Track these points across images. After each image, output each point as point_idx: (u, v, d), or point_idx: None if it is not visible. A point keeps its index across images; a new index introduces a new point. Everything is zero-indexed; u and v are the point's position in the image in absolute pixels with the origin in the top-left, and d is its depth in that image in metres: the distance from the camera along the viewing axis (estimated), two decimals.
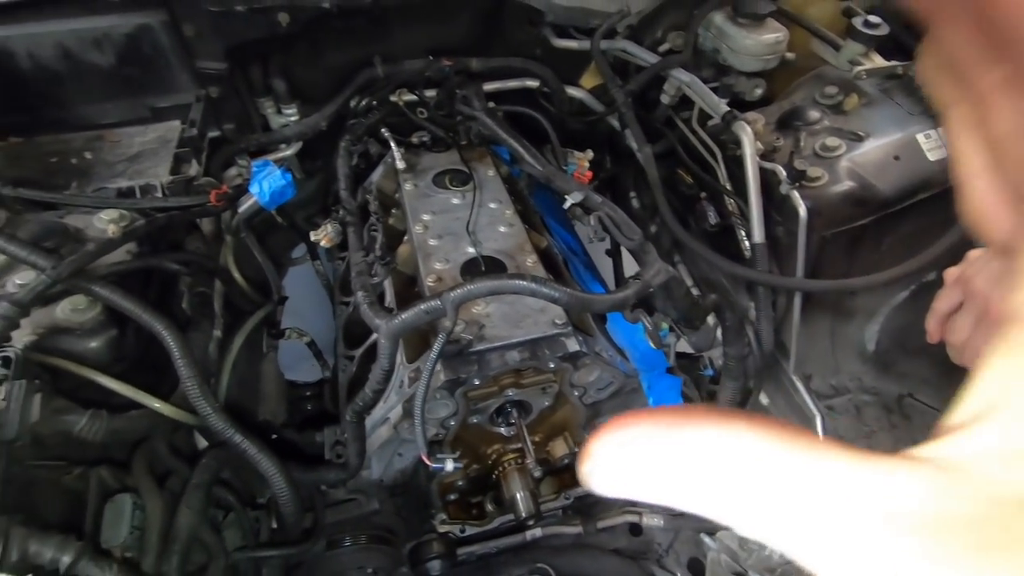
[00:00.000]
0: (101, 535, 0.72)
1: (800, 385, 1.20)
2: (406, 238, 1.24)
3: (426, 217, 1.24)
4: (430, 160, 1.41)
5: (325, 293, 1.71)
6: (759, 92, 1.33)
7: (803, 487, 0.18)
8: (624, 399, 1.14)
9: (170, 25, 1.16)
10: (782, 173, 1.06)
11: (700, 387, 1.40)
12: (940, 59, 0.25)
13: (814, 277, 1.12)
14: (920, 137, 1.11)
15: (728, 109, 1.16)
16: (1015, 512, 0.17)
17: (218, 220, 1.20)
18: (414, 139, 1.47)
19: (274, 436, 1.15)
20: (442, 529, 1.21)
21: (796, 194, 1.04)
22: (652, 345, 1.16)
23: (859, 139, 1.12)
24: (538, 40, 1.51)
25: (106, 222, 0.94)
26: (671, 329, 1.30)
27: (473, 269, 1.13)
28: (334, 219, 1.26)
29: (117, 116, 1.23)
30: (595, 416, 1.17)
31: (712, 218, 1.24)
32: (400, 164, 1.36)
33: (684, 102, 1.37)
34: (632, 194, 1.63)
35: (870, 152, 1.11)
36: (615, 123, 1.49)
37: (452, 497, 1.22)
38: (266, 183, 1.11)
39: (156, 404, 0.82)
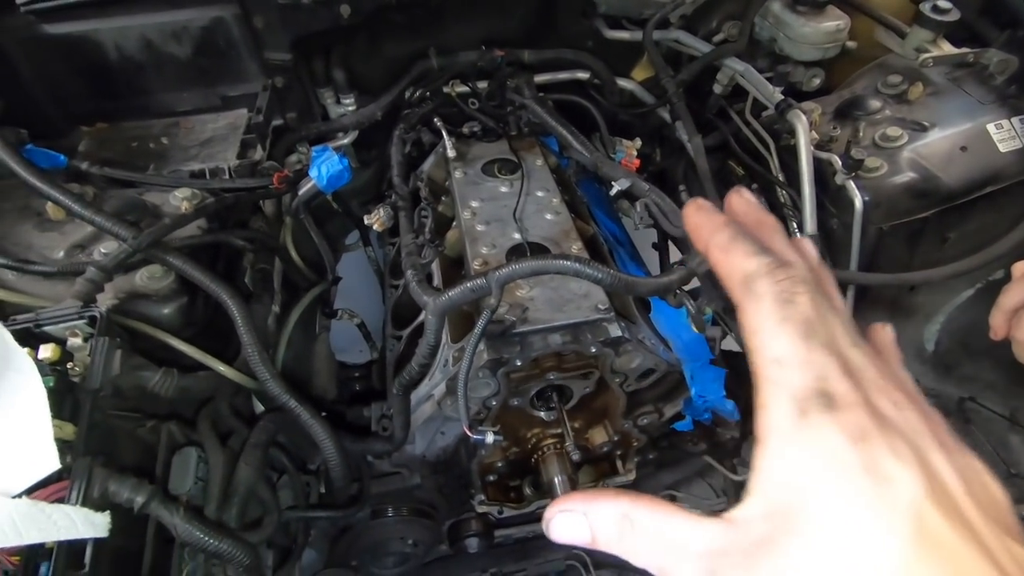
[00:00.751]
0: (169, 483, 0.78)
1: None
2: (455, 224, 1.28)
3: (474, 204, 1.27)
4: (480, 149, 1.45)
5: (376, 280, 1.77)
6: (817, 82, 1.30)
7: (654, 536, 0.35)
8: (666, 388, 1.14)
9: (241, 18, 1.23)
10: (838, 163, 1.04)
11: (745, 383, 1.38)
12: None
13: (870, 271, 1.09)
14: (991, 127, 1.06)
15: (783, 98, 1.13)
16: (760, 546, 0.31)
17: (279, 202, 1.27)
18: (465, 129, 1.50)
19: (323, 413, 1.20)
20: (480, 509, 1.23)
21: (852, 184, 1.01)
22: (695, 329, 1.14)
23: (923, 129, 1.08)
24: (590, 32, 1.52)
25: (180, 199, 1.01)
26: (715, 322, 1.28)
27: (519, 254, 1.15)
28: (386, 204, 1.31)
29: (192, 104, 1.32)
30: (637, 405, 1.17)
31: None
32: (451, 153, 1.39)
33: (738, 93, 1.34)
34: (682, 187, 1.61)
35: (935, 143, 1.07)
36: (666, 116, 1.48)
37: (491, 479, 1.24)
38: (324, 167, 1.17)
39: (220, 367, 0.88)
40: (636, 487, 1.35)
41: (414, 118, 1.46)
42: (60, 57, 1.21)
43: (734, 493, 1.38)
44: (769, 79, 1.23)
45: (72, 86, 1.25)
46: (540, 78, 1.51)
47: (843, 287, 1.09)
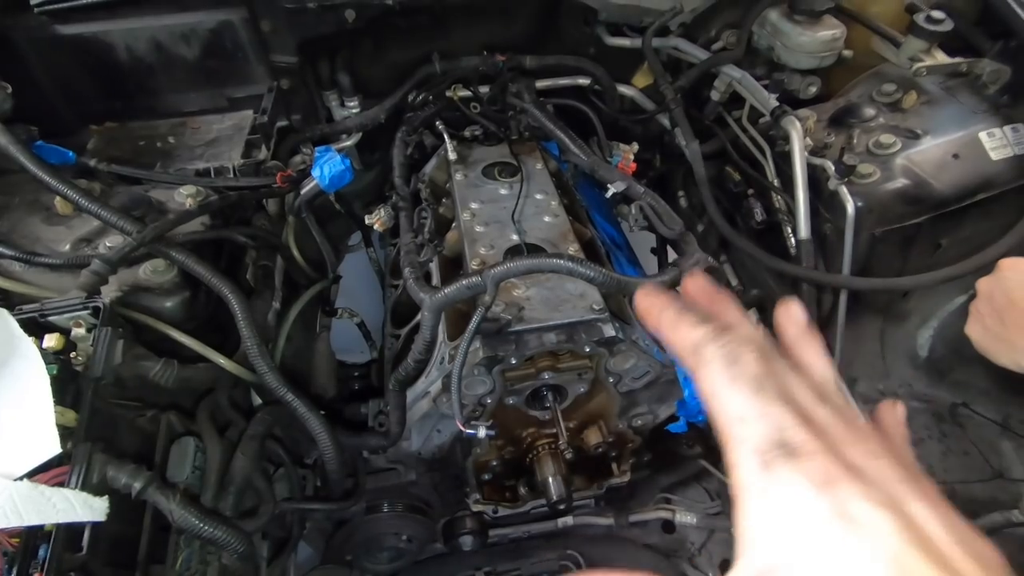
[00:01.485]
0: (167, 471, 0.80)
1: (844, 388, 1.17)
2: (454, 225, 1.30)
3: (474, 205, 1.29)
4: (481, 153, 1.47)
5: (377, 280, 1.79)
6: (814, 90, 1.31)
7: None
8: (660, 389, 1.15)
9: (249, 21, 1.26)
10: (831, 168, 1.05)
11: None
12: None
13: (863, 276, 1.10)
14: (983, 136, 1.08)
15: (778, 104, 1.15)
16: None
17: (282, 201, 1.29)
18: (467, 132, 1.52)
19: (322, 412, 1.22)
20: (476, 508, 1.24)
21: (844, 189, 1.03)
22: None
23: (916, 137, 1.09)
24: (592, 38, 1.55)
25: (184, 196, 1.04)
26: None
27: (516, 255, 1.17)
28: (387, 204, 1.33)
29: (199, 105, 1.35)
30: (631, 406, 1.18)
31: (759, 215, 1.23)
32: (452, 156, 1.41)
33: (735, 100, 1.36)
34: (680, 193, 1.63)
35: (927, 150, 1.08)
36: (666, 123, 1.50)
37: (487, 477, 1.25)
38: (326, 167, 1.19)
39: (220, 360, 0.90)
40: (632, 490, 1.36)
41: (417, 121, 1.48)
42: (72, 57, 1.24)
43: (727, 496, 1.38)
44: (766, 86, 1.25)
45: (83, 85, 1.28)
46: (542, 83, 1.54)
47: (835, 292, 1.11)
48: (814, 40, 1.23)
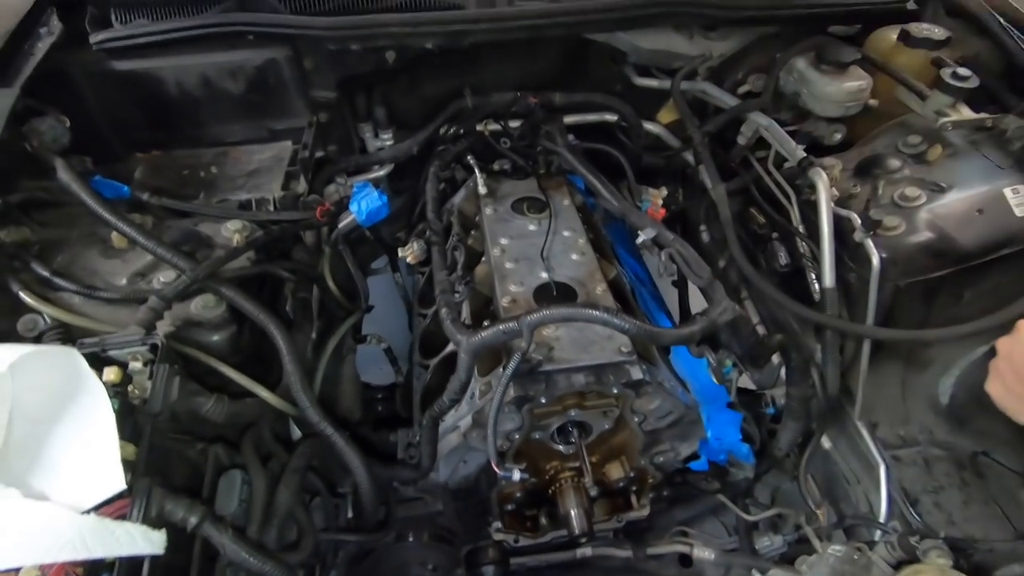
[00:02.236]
0: (216, 504, 0.84)
1: (865, 432, 1.19)
2: (484, 259, 1.33)
3: (504, 241, 1.33)
4: (510, 187, 1.51)
5: (401, 302, 1.83)
6: (838, 137, 1.34)
7: None
8: (683, 428, 1.18)
9: (293, 59, 1.31)
10: (857, 221, 1.08)
11: (761, 424, 1.40)
12: None
13: (887, 325, 1.12)
14: (1007, 191, 1.10)
15: (805, 155, 1.18)
16: None
17: (319, 233, 1.34)
18: (496, 166, 1.56)
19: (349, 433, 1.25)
20: (497, 537, 1.27)
21: (870, 243, 1.05)
22: (715, 381, 1.19)
23: (941, 190, 1.11)
24: (619, 77, 1.59)
25: (231, 231, 1.08)
26: (734, 365, 1.32)
27: (545, 294, 1.21)
28: (419, 237, 1.37)
29: (241, 136, 1.40)
30: (654, 444, 1.21)
31: (783, 259, 1.26)
32: (482, 189, 1.46)
33: (761, 142, 1.39)
34: (702, 227, 1.66)
35: (952, 204, 1.10)
36: (690, 158, 1.53)
37: (509, 507, 1.28)
38: (364, 203, 1.24)
39: (266, 395, 0.94)
40: (650, 522, 1.38)
41: (448, 155, 1.52)
42: (124, 90, 1.30)
43: (745, 533, 1.39)
44: (792, 133, 1.28)
45: (132, 116, 1.34)
46: (569, 119, 1.58)
47: (859, 341, 1.13)
48: (840, 90, 1.26)
